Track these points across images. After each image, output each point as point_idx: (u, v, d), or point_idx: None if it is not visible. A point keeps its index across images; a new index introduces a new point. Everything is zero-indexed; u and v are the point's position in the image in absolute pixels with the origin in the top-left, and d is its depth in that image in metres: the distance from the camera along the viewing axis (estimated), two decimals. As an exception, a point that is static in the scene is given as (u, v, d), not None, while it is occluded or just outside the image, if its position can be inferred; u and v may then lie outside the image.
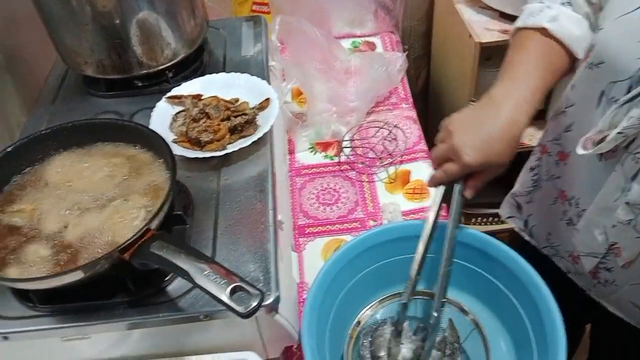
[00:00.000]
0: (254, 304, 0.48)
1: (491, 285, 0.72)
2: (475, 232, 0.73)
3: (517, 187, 0.87)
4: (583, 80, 0.65)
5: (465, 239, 0.73)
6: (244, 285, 0.49)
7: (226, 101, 0.84)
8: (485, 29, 1.08)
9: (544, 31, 0.66)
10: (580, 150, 0.60)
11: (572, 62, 0.66)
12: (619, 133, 0.57)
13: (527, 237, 0.87)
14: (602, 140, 0.58)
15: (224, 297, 0.49)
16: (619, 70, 0.58)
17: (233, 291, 0.50)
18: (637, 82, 0.56)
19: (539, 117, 1.31)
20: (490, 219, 1.51)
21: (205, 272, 0.50)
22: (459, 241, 0.73)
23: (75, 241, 0.64)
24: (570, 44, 0.65)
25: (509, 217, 0.90)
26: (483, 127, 0.63)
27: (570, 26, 0.65)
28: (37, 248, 0.64)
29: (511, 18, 1.12)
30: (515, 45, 0.69)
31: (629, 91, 0.57)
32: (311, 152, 1.07)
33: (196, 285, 0.51)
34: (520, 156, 0.87)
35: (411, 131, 1.07)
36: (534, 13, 0.67)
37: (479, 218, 1.52)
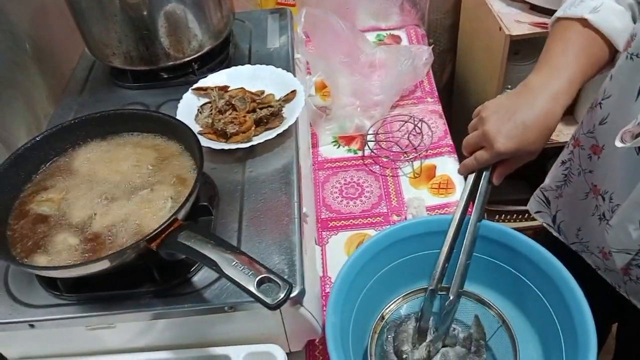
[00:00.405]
0: (282, 295, 0.48)
1: (519, 281, 0.70)
2: (502, 227, 0.71)
3: (547, 181, 0.86)
4: (623, 71, 0.63)
5: (491, 234, 0.72)
6: (272, 276, 0.49)
7: (252, 93, 0.84)
8: (516, 22, 1.05)
9: (584, 22, 0.65)
10: (618, 143, 0.59)
11: (613, 54, 0.65)
12: None
13: (555, 233, 0.85)
14: None
15: (252, 288, 0.48)
16: None
17: (260, 282, 0.49)
18: None
19: (566, 113, 1.29)
20: (515, 215, 1.49)
21: (233, 263, 0.50)
22: (485, 237, 0.72)
23: (103, 230, 0.64)
24: (611, 36, 0.64)
25: (537, 212, 0.88)
26: (518, 115, 0.62)
27: (612, 18, 0.64)
28: (65, 237, 0.65)
29: (542, 10, 1.09)
30: (555, 35, 0.67)
31: None
32: (334, 145, 1.06)
33: (224, 276, 0.50)
34: (546, 152, 0.86)
35: (437, 125, 1.05)
36: (576, 3, 0.66)
37: (503, 215, 1.50)
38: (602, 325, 1.00)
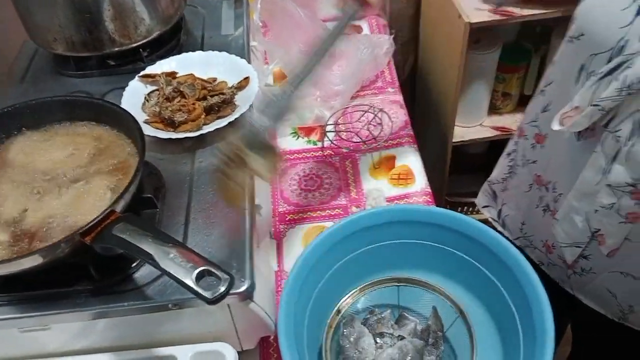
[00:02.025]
0: (223, 289, 0.45)
1: (477, 271, 0.69)
2: (460, 215, 0.70)
3: (494, 174, 0.84)
4: (563, 56, 0.61)
5: (450, 224, 0.70)
6: (212, 269, 0.46)
7: (203, 80, 0.80)
8: (475, 9, 1.04)
9: None
10: (555, 126, 0.57)
11: None
12: (594, 105, 0.54)
13: (500, 228, 0.83)
14: None
15: (190, 282, 0.45)
16: (600, 42, 0.55)
17: (200, 275, 0.46)
18: (617, 53, 0.53)
19: (527, 104, 1.29)
20: (472, 208, 1.49)
21: (171, 256, 0.47)
22: (444, 226, 0.70)
23: (36, 226, 0.60)
24: None
25: (485, 207, 0.86)
26: None
27: None
28: None
29: (501, -2, 1.08)
30: None
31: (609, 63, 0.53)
32: (294, 137, 1.03)
33: (161, 270, 0.47)
34: (503, 143, 0.84)
35: (397, 116, 1.04)
36: None
37: (459, 208, 1.50)
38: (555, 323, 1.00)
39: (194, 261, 0.47)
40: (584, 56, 0.57)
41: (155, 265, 0.47)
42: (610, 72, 0.53)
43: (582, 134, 0.60)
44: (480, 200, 0.88)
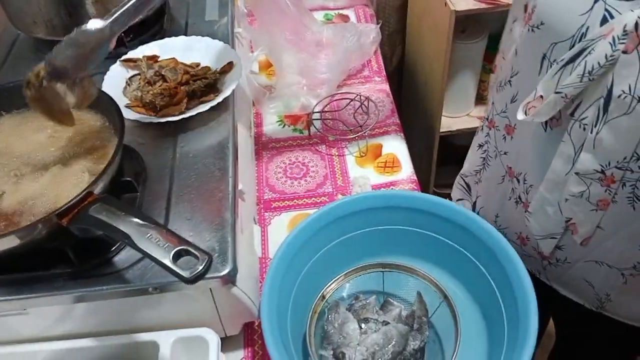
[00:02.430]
0: (201, 267, 0.44)
1: (462, 257, 0.69)
2: (443, 200, 0.70)
3: (466, 166, 0.82)
4: (526, 45, 0.60)
5: (429, 208, 0.70)
6: (190, 248, 0.45)
7: (186, 65, 0.79)
8: (460, -3, 1.04)
9: None
10: (520, 115, 0.57)
11: None
12: (557, 93, 0.54)
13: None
14: None
15: (167, 262, 0.44)
16: (560, 30, 0.54)
17: (178, 255, 0.45)
18: (579, 40, 0.52)
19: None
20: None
21: (148, 235, 0.46)
22: (428, 212, 0.70)
23: (12, 209, 0.59)
24: None
25: (459, 200, 0.86)
26: None
27: None
28: None
29: (487, -13, 1.08)
30: None
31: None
32: (279, 125, 1.02)
33: (137, 249, 0.46)
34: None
35: (384, 104, 1.03)
36: None
37: (446, 199, 1.49)
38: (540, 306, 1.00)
39: (171, 241, 0.46)
40: (545, 45, 0.56)
41: (133, 245, 0.46)
42: (572, 60, 0.52)
43: (549, 124, 0.59)
44: (454, 193, 0.87)
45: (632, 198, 0.56)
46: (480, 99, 1.31)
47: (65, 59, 0.58)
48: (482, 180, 0.77)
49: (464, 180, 0.83)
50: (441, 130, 1.24)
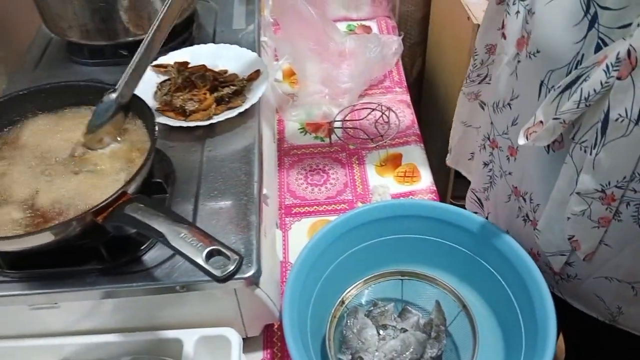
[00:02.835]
0: (232, 267, 0.46)
1: (479, 267, 0.70)
2: (460, 210, 0.71)
3: (474, 182, 0.84)
4: (524, 70, 0.61)
5: (449, 218, 0.71)
6: (222, 248, 0.47)
7: (214, 72, 0.81)
8: (484, 11, 1.05)
9: None
10: (521, 141, 0.58)
11: None
12: (555, 119, 0.55)
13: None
14: None
15: (200, 261, 0.46)
16: (556, 58, 0.55)
17: (210, 255, 0.47)
18: (575, 68, 0.53)
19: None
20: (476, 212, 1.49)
21: (182, 235, 0.48)
22: (446, 221, 0.71)
23: (50, 206, 0.61)
24: None
25: (474, 214, 0.87)
26: None
27: None
28: (9, 210, 0.61)
29: (510, 3, 1.09)
30: None
31: None
32: (301, 132, 1.04)
33: (172, 248, 0.48)
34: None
35: (404, 115, 1.05)
36: None
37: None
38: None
39: (204, 241, 0.47)
40: (542, 72, 0.57)
41: (167, 243, 0.48)
42: (569, 86, 0.53)
43: (551, 147, 0.61)
44: (468, 207, 0.88)
45: (637, 217, 0.57)
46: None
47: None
48: (490, 197, 0.78)
49: (475, 195, 0.84)
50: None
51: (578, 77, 0.53)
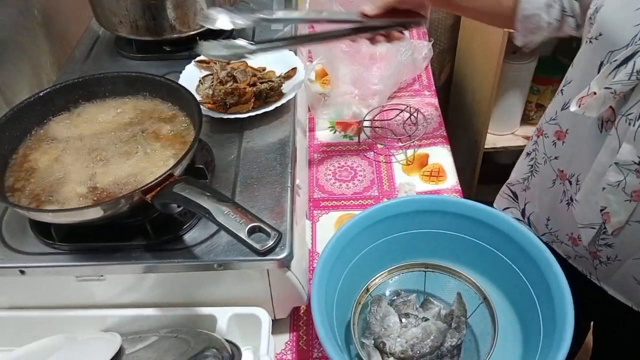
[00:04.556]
0: (271, 242, 0.50)
1: (500, 262, 0.72)
2: (484, 206, 0.73)
3: (513, 176, 0.87)
4: (583, 56, 0.66)
5: (474, 214, 0.73)
6: (262, 225, 0.51)
7: (254, 69, 0.86)
8: (514, 20, 1.08)
9: None
10: (573, 107, 0.62)
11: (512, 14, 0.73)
12: (606, 88, 0.58)
13: (525, 226, 0.86)
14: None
15: (243, 235, 0.50)
16: (617, 40, 0.59)
17: (252, 232, 0.51)
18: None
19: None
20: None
21: (226, 212, 0.52)
22: (468, 216, 0.74)
23: (109, 185, 0.65)
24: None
25: (505, 209, 0.89)
26: None
27: None
28: (74, 187, 0.65)
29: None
30: None
31: None
32: (331, 130, 1.08)
33: (217, 224, 0.52)
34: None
35: (432, 117, 1.08)
36: None
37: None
38: (578, 322, 1.01)
39: (246, 218, 0.51)
40: (603, 54, 0.61)
41: (212, 219, 0.52)
42: (625, 61, 0.57)
43: (604, 126, 0.64)
44: (499, 204, 0.91)
45: None
46: (527, 119, 1.34)
47: None
48: (530, 187, 0.81)
49: (510, 190, 0.87)
50: (485, 146, 1.28)
51: (634, 53, 0.57)
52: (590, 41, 0.63)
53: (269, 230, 0.51)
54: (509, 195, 0.88)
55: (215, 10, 0.67)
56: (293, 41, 0.86)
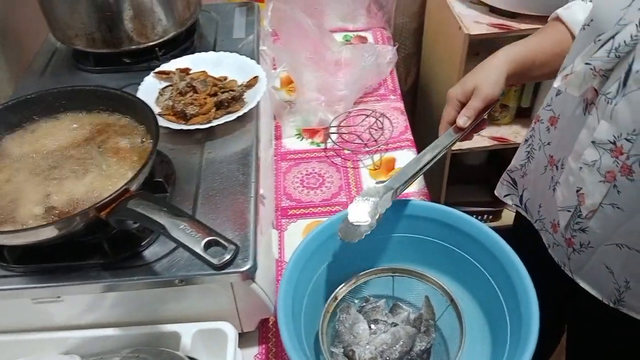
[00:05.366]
0: (228, 256, 0.48)
1: (467, 264, 0.72)
2: (450, 209, 0.73)
3: (513, 162, 0.88)
4: (577, 42, 0.68)
5: (440, 217, 0.73)
6: (219, 239, 0.50)
7: (214, 78, 0.85)
8: (475, 22, 1.09)
9: (558, 18, 0.76)
10: (556, 83, 0.63)
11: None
12: (586, 64, 0.59)
13: (523, 213, 0.87)
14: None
15: (199, 250, 0.49)
16: (605, 25, 0.60)
17: (208, 245, 0.50)
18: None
19: (524, 115, 1.33)
20: (474, 216, 1.53)
21: (181, 227, 0.50)
22: (434, 219, 0.74)
23: (65, 205, 0.63)
24: (570, 25, 0.73)
25: (506, 195, 0.90)
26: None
27: (578, 11, 0.73)
28: (30, 207, 0.63)
29: (500, 12, 1.14)
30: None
31: None
32: (298, 138, 1.07)
33: (171, 239, 0.50)
34: (503, 155, 0.89)
35: (398, 121, 1.08)
36: (562, 7, 0.76)
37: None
38: (553, 324, 1.02)
39: (202, 232, 0.50)
40: (592, 38, 0.62)
41: (167, 234, 0.51)
42: (608, 41, 0.58)
43: (587, 109, 0.65)
44: (500, 190, 0.92)
45: None
46: (492, 120, 1.36)
47: None
48: (527, 173, 0.83)
49: (509, 176, 0.88)
50: (452, 148, 1.28)
51: (617, 33, 0.58)
52: (584, 28, 0.65)
53: (226, 243, 0.49)
54: (509, 182, 0.89)
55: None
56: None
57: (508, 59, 0.74)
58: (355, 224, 0.66)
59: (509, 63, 0.73)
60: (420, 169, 0.72)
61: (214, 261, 0.48)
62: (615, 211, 0.65)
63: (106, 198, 0.57)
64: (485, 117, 0.77)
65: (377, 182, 0.71)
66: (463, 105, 0.74)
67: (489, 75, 0.73)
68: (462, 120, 0.73)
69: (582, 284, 0.74)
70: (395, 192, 0.70)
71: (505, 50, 0.75)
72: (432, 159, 0.73)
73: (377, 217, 0.68)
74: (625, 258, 0.67)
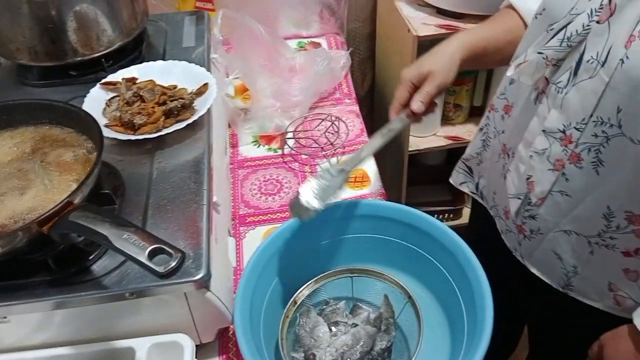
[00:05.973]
0: (173, 263, 0.47)
1: (425, 261, 0.73)
2: (402, 206, 0.74)
3: (467, 151, 0.89)
4: (529, 31, 0.69)
5: (393, 215, 0.74)
6: (164, 246, 0.48)
7: (163, 87, 0.84)
8: (423, 24, 1.12)
9: (510, 6, 0.77)
10: (509, 72, 0.64)
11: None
12: (539, 53, 0.61)
13: (479, 200, 0.88)
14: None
15: (142, 259, 0.47)
16: (557, 13, 0.62)
17: (154, 254, 0.49)
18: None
19: (477, 114, 1.35)
20: (435, 216, 1.55)
21: (124, 236, 0.49)
22: (391, 218, 0.74)
23: (6, 222, 0.61)
24: (523, 12, 0.74)
25: (462, 183, 0.91)
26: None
27: (530, 1, 0.73)
28: None
29: (447, 14, 1.16)
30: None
31: None
32: (255, 145, 1.07)
33: (115, 249, 0.49)
34: (461, 154, 0.91)
35: (354, 124, 1.09)
36: None
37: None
38: (513, 319, 1.04)
39: (147, 240, 0.49)
40: (544, 28, 0.63)
41: (110, 245, 0.49)
42: (560, 31, 0.60)
43: (538, 98, 0.66)
44: (455, 178, 0.93)
45: (597, 163, 0.62)
46: (447, 120, 1.38)
47: None
48: (483, 160, 0.84)
49: (465, 164, 0.89)
50: (409, 149, 1.30)
51: (569, 23, 0.59)
52: (536, 17, 0.66)
53: (171, 251, 0.48)
54: (465, 170, 0.90)
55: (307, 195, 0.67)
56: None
57: (462, 46, 0.75)
58: (305, 205, 0.65)
59: (463, 50, 0.75)
60: (372, 153, 0.74)
61: (159, 269, 0.47)
62: (564, 198, 0.66)
63: (48, 211, 0.55)
64: (437, 101, 0.78)
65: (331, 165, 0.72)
66: (416, 88, 0.75)
67: (444, 62, 0.74)
68: (417, 105, 0.74)
69: (532, 269, 0.76)
70: (347, 174, 0.71)
71: (459, 37, 0.77)
72: (384, 143, 0.74)
73: (328, 199, 0.68)
74: (573, 244, 0.69)
